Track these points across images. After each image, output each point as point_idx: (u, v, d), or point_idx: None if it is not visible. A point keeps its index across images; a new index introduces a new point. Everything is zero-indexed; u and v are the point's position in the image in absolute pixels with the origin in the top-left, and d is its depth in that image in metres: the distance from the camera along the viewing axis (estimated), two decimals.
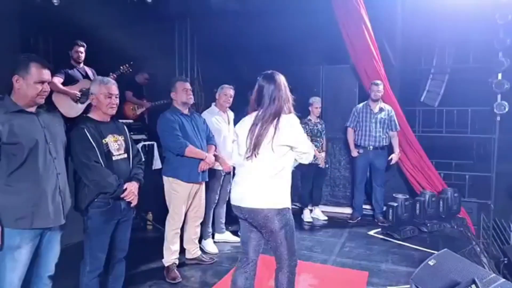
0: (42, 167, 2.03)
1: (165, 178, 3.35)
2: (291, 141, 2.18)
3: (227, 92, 3.85)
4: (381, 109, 4.84)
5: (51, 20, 5.00)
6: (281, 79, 2.27)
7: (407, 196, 4.65)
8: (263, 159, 2.17)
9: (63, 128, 2.27)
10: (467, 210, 4.96)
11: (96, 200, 2.32)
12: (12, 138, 1.94)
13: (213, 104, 4.00)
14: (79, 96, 4.16)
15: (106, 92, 2.40)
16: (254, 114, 2.27)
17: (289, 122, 2.20)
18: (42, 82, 2.03)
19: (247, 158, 2.20)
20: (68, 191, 2.22)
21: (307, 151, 2.24)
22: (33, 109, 2.09)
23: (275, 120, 2.16)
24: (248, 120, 2.29)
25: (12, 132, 1.95)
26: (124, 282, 2.67)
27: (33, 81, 2.01)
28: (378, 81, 4.79)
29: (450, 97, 5.70)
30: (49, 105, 2.33)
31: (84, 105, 4.17)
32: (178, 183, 3.28)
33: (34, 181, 2.01)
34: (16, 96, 2.03)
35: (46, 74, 2.05)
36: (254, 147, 2.16)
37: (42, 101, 2.08)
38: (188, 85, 3.35)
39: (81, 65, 4.40)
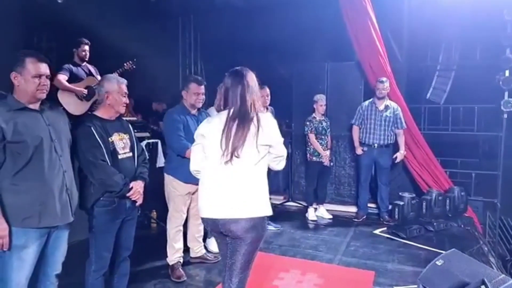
0: (47, 165, 2.01)
1: (166, 176, 3.34)
2: (272, 141, 2.01)
3: None
4: (386, 107, 4.78)
5: (54, 18, 4.98)
6: (250, 75, 2.09)
7: (414, 195, 4.60)
8: (246, 161, 1.96)
9: (68, 125, 2.25)
10: (473, 208, 4.93)
11: (101, 198, 2.30)
12: (16, 136, 1.92)
13: None
14: (85, 93, 4.14)
15: (123, 91, 2.43)
16: (223, 113, 2.07)
17: (270, 121, 2.05)
18: (39, 76, 2.00)
19: (225, 162, 1.96)
20: (75, 188, 2.20)
21: (282, 154, 2.07)
22: (36, 106, 2.07)
23: (255, 118, 2.00)
24: (217, 120, 2.07)
25: (16, 130, 1.93)
26: (128, 281, 2.65)
27: (30, 76, 1.98)
28: (383, 79, 4.73)
29: (456, 94, 5.65)
30: (52, 102, 2.30)
31: (90, 103, 4.15)
32: (177, 182, 3.26)
33: (40, 180, 1.99)
34: (18, 93, 2.01)
35: (43, 67, 2.03)
36: (234, 149, 1.95)
37: (43, 95, 2.05)
38: (201, 89, 3.24)
39: (84, 63, 4.38)
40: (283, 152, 2.08)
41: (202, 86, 3.26)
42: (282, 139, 2.08)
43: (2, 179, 1.93)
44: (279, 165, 2.11)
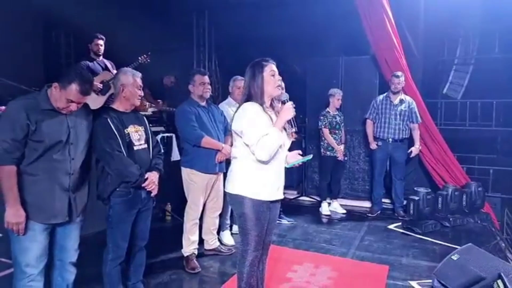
0: (56, 165, 2.07)
1: (183, 169, 3.38)
2: (237, 127, 2.15)
3: (240, 84, 3.83)
4: (401, 101, 4.73)
5: (72, 14, 5.07)
6: (256, 66, 2.18)
7: (429, 190, 4.54)
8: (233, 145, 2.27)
9: (90, 122, 2.28)
10: (491, 205, 4.84)
11: (118, 189, 2.36)
12: (38, 136, 1.99)
13: (229, 96, 3.98)
14: (101, 87, 4.21)
15: (138, 84, 2.48)
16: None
17: (242, 108, 2.16)
18: (72, 101, 2.03)
19: None
20: (81, 191, 2.22)
21: (250, 144, 2.10)
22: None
23: (239, 107, 2.20)
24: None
25: (40, 130, 1.99)
26: (144, 271, 2.71)
27: (65, 97, 2.01)
28: (399, 73, 4.67)
29: (474, 88, 5.54)
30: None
31: (106, 97, 4.22)
32: (195, 174, 3.30)
33: (45, 177, 2.05)
34: (49, 96, 2.06)
35: (81, 98, 2.05)
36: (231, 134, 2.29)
37: (65, 112, 2.08)
38: (206, 79, 3.34)
39: (100, 57, 4.45)
40: (249, 142, 2.11)
41: (206, 76, 3.36)
42: (251, 130, 2.09)
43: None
44: (257, 155, 2.11)
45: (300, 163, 2.27)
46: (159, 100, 5.39)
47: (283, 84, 2.28)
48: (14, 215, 1.97)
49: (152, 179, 2.43)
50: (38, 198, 2.04)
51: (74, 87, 2.00)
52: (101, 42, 4.40)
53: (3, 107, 2.87)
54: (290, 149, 2.36)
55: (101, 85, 4.21)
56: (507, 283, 2.22)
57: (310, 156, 2.34)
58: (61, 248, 2.21)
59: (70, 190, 2.14)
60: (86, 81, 2.05)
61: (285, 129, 2.23)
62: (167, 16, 5.94)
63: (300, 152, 2.28)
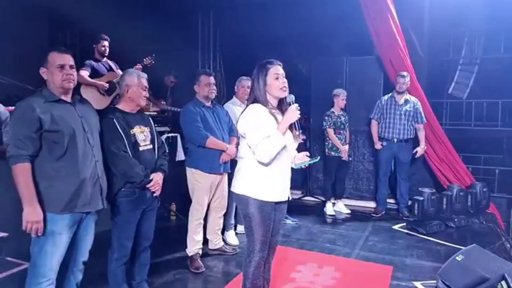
0: (81, 155, 2.11)
1: (187, 169, 3.40)
2: (240, 128, 2.18)
3: (245, 84, 3.84)
4: (406, 101, 4.72)
5: (77, 16, 5.12)
6: (261, 69, 2.17)
7: (434, 190, 4.52)
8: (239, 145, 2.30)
9: (97, 116, 2.34)
10: (496, 205, 4.82)
11: (123, 189, 2.38)
12: (53, 126, 2.03)
13: (234, 96, 3.99)
14: (107, 87, 4.24)
15: (143, 85, 2.50)
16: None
17: (247, 110, 2.17)
18: (62, 66, 2.08)
19: None
20: (105, 177, 2.28)
21: (251, 146, 2.11)
22: (68, 99, 2.17)
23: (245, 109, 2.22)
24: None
25: (53, 120, 2.03)
26: (149, 270, 2.73)
27: (54, 67, 2.08)
28: (405, 73, 4.66)
29: (479, 88, 5.52)
30: (81, 96, 2.40)
31: (111, 98, 4.24)
32: (200, 174, 3.31)
33: (75, 169, 2.08)
34: (49, 87, 2.12)
35: (65, 58, 2.11)
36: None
37: (69, 85, 2.12)
38: (211, 79, 3.35)
39: (105, 58, 4.47)
40: (251, 142, 2.11)
41: (212, 77, 3.37)
42: (253, 131, 2.09)
43: (39, 167, 2.02)
44: (257, 156, 2.11)
45: (307, 165, 2.26)
46: (162, 101, 5.42)
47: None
48: (32, 213, 1.96)
49: (157, 180, 2.46)
50: (71, 191, 2.06)
51: (52, 53, 2.10)
52: (106, 43, 4.43)
53: (12, 108, 2.93)
54: (297, 150, 2.36)
55: (107, 84, 4.24)
56: (511, 284, 2.21)
57: (318, 158, 2.32)
58: (78, 248, 2.24)
59: (100, 177, 2.21)
60: (58, 46, 2.20)
61: (291, 130, 2.21)
62: (172, 16, 5.96)
63: (307, 153, 2.27)
